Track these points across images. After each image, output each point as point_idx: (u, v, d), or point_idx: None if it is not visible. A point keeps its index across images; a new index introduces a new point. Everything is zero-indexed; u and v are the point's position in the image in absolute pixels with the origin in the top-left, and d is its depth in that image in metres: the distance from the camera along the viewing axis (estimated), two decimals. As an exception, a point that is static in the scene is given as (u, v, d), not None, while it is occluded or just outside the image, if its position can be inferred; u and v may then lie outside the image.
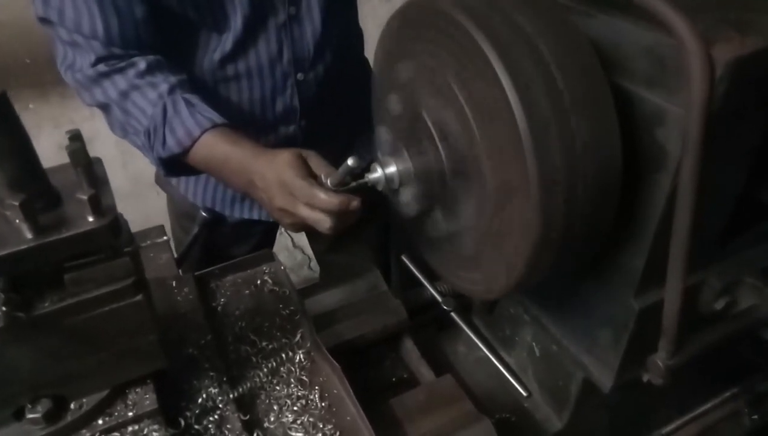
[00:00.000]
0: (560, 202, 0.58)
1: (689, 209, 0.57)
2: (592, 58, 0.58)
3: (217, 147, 0.92)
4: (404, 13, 0.71)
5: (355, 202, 0.76)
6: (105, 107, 0.98)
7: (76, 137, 0.60)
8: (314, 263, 2.68)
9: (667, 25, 0.52)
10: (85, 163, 0.59)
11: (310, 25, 1.07)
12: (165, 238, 1.00)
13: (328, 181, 0.78)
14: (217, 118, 0.93)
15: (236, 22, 1.01)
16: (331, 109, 1.19)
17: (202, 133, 0.92)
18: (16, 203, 0.54)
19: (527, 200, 0.58)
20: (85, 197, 0.56)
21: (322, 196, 0.77)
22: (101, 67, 0.94)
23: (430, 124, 0.67)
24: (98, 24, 0.91)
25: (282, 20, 1.04)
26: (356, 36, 1.26)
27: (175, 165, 0.99)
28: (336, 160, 0.80)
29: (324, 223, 0.79)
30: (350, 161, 0.72)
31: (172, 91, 0.94)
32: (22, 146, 0.57)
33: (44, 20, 0.94)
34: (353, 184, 0.78)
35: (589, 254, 0.69)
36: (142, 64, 0.95)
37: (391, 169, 0.70)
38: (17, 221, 0.56)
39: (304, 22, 1.07)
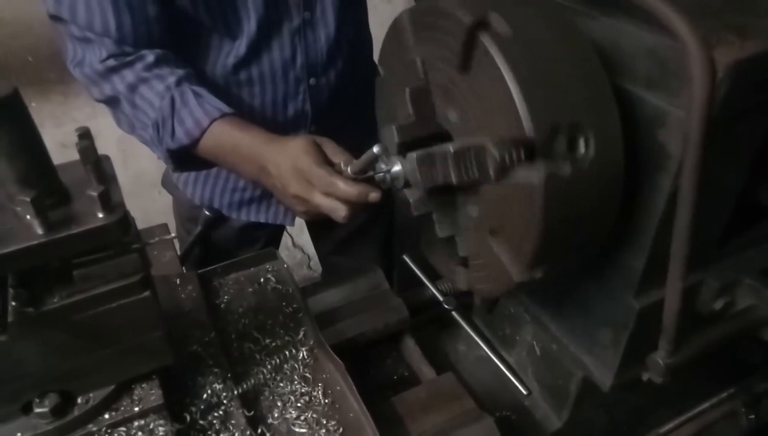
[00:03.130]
0: (563, 203, 0.59)
1: (690, 210, 0.58)
2: (595, 60, 0.59)
3: (225, 135, 0.92)
4: (409, 15, 0.72)
5: (375, 194, 0.75)
6: (113, 102, 0.99)
7: (85, 135, 0.61)
8: (314, 263, 2.69)
9: (669, 27, 0.53)
10: (94, 160, 0.59)
11: (324, 30, 1.07)
12: (169, 236, 1.01)
13: (348, 169, 0.76)
14: (225, 107, 0.94)
15: (250, 26, 1.01)
16: (341, 114, 1.20)
17: (211, 122, 0.92)
18: (28, 199, 0.55)
19: (530, 202, 0.58)
20: (95, 194, 0.57)
21: (342, 186, 0.76)
22: (110, 62, 0.95)
23: (434, 123, 0.68)
24: (111, 22, 0.92)
25: (296, 25, 1.05)
26: (366, 40, 1.27)
27: (183, 158, 0.99)
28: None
29: (340, 211, 0.79)
30: (376, 149, 0.70)
31: (179, 82, 0.95)
32: (33, 143, 0.58)
33: (55, 17, 0.95)
34: (371, 173, 0.77)
35: (590, 255, 0.69)
36: (150, 57, 0.95)
37: (396, 168, 0.71)
38: (28, 216, 0.56)
39: (318, 27, 1.07)
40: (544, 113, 0.55)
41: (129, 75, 0.95)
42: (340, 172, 0.78)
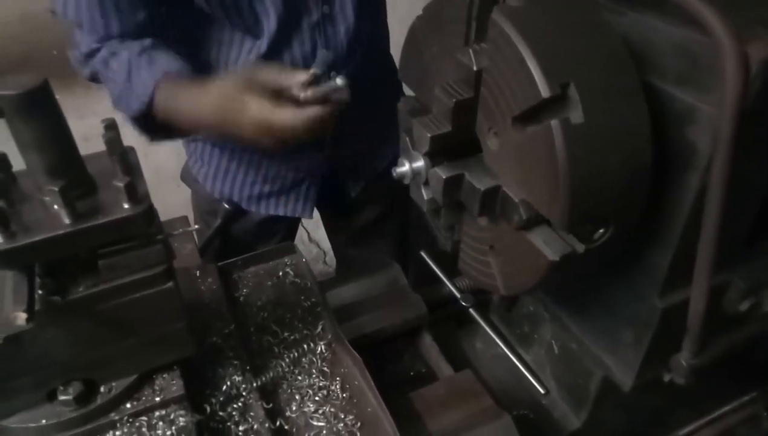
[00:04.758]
0: (587, 197, 0.58)
1: (718, 208, 0.57)
2: (624, 56, 0.58)
3: (170, 96, 0.91)
4: (434, 9, 0.71)
5: (341, 95, 0.74)
6: (96, 80, 1.02)
7: (111, 126, 0.62)
8: (329, 258, 2.69)
9: (701, 22, 0.52)
10: (120, 151, 0.60)
11: (344, 24, 1.08)
12: (189, 228, 1.01)
13: (300, 77, 0.75)
14: (173, 66, 0.92)
15: (270, 24, 1.02)
16: (360, 107, 1.20)
17: (157, 85, 0.91)
18: (55, 189, 0.55)
19: (556, 197, 0.58)
20: (121, 185, 0.58)
21: (308, 114, 0.75)
22: (94, 45, 0.98)
23: (469, 133, 0.67)
24: (98, 23, 0.95)
25: (315, 19, 1.05)
26: (384, 33, 1.27)
27: (150, 126, 0.99)
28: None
29: (324, 130, 0.79)
30: (313, 70, 0.72)
31: (143, 51, 0.95)
32: (62, 133, 0.58)
33: (53, 12, 1.00)
34: (322, 87, 0.76)
35: (614, 253, 0.69)
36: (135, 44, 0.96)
37: (419, 163, 0.71)
38: (55, 206, 0.57)
39: (337, 21, 1.07)
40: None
41: (104, 51, 0.97)
42: (295, 100, 0.76)
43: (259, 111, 0.76)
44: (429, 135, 0.66)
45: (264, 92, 0.78)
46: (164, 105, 0.93)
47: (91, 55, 0.99)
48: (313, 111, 0.74)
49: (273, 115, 0.76)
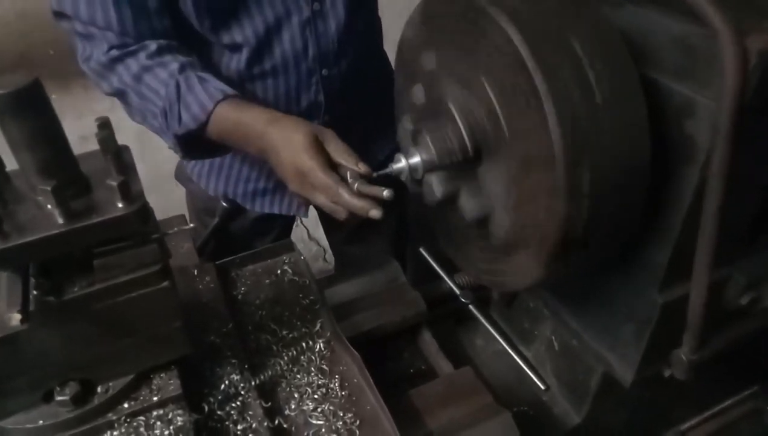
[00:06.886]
0: (585, 192, 0.58)
1: (718, 203, 0.56)
2: (622, 49, 0.58)
3: (228, 117, 0.92)
4: (430, 4, 0.71)
5: (375, 212, 0.76)
6: (122, 94, 0.99)
7: (104, 125, 0.61)
8: (329, 255, 2.68)
9: (700, 14, 0.51)
10: (114, 151, 0.59)
11: (335, 20, 1.07)
12: (186, 227, 1.01)
13: (356, 186, 0.77)
14: (229, 89, 0.93)
15: (258, 21, 1.01)
16: (353, 103, 1.19)
17: (215, 105, 0.92)
18: (48, 189, 0.55)
19: (555, 195, 0.57)
20: (114, 184, 0.57)
21: (346, 198, 0.77)
22: (114, 53, 0.95)
23: (455, 113, 0.67)
24: (112, 15, 0.93)
25: (306, 16, 1.04)
26: (376, 28, 1.26)
27: (192, 144, 0.99)
28: (358, 154, 0.81)
29: (340, 214, 0.79)
30: (396, 168, 0.74)
31: (183, 69, 0.95)
32: (55, 133, 0.58)
33: (59, 14, 0.96)
34: (375, 175, 0.78)
35: (615, 247, 0.68)
36: (152, 46, 0.95)
37: (415, 159, 0.70)
38: (48, 206, 0.57)
39: (328, 17, 1.06)
40: (566, 103, 0.54)
41: (133, 65, 0.95)
42: (344, 179, 0.78)
43: (309, 166, 0.79)
44: (405, 116, 0.66)
45: (323, 155, 0.81)
46: (220, 125, 0.93)
47: (112, 64, 0.96)
48: (346, 203, 0.77)
49: (316, 175, 0.79)
